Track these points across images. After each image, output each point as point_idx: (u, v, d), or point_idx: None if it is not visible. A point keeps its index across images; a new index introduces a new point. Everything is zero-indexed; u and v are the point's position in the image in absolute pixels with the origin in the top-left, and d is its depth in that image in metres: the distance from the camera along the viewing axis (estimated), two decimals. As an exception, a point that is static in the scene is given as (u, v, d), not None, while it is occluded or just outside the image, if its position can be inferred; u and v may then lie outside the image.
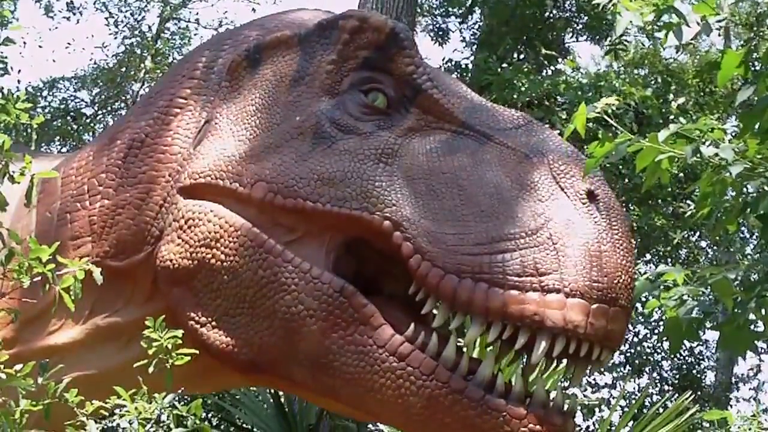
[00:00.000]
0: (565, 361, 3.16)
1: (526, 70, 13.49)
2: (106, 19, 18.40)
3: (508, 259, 3.05)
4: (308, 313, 3.24)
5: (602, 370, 16.53)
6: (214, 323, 3.39)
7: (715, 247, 15.24)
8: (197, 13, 23.04)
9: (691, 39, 4.36)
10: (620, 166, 13.12)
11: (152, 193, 3.67)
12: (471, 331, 3.11)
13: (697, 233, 15.12)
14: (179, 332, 2.93)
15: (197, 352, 3.06)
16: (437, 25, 17.48)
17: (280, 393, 8.16)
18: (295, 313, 3.26)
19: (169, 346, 2.90)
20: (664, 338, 15.84)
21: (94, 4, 18.35)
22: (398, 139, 3.39)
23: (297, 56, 3.62)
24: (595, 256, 3.05)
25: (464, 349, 3.28)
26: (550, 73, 14.81)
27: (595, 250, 3.06)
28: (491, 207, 3.15)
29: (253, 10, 18.42)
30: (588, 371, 3.20)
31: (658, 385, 16.86)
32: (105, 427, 2.89)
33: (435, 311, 3.22)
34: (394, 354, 3.16)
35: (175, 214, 3.53)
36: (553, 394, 3.16)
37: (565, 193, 3.16)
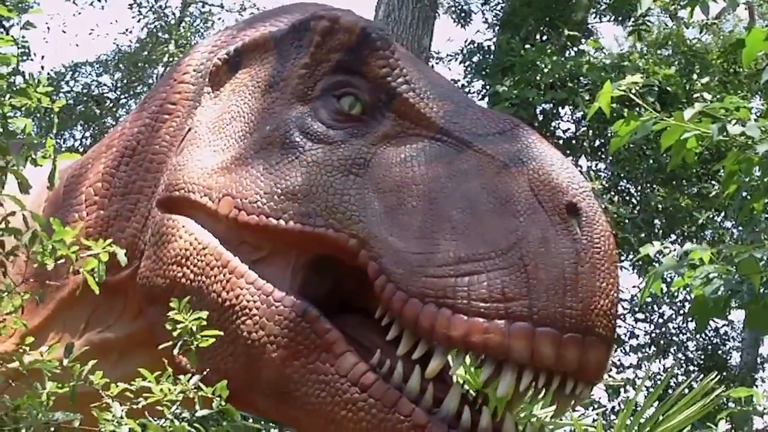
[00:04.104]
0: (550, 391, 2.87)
1: (549, 51, 13.45)
2: (130, 4, 18.51)
3: (475, 282, 2.76)
4: (269, 339, 3.03)
5: (627, 350, 16.50)
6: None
7: (740, 228, 15.16)
8: (220, -3, 23.19)
9: (716, 16, 4.33)
10: (644, 146, 13.09)
11: (139, 204, 3.51)
12: (433, 362, 2.85)
13: (722, 213, 15.05)
14: (204, 314, 2.89)
15: (221, 333, 3.01)
16: (459, 7, 17.46)
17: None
18: (256, 339, 3.05)
19: (194, 328, 2.88)
20: (689, 319, 15.82)
21: (117, -12, 18.44)
22: (371, 148, 3.12)
23: (273, 60, 3.40)
24: (570, 278, 2.74)
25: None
26: (573, 53, 14.76)
27: (571, 272, 2.74)
28: (462, 223, 2.87)
29: (276, -6, 18.39)
30: (571, 405, 2.90)
31: (684, 365, 16.82)
32: (130, 408, 2.89)
33: None
34: (356, 384, 2.92)
35: (153, 228, 3.37)
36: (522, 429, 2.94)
37: (543, 207, 2.82)
